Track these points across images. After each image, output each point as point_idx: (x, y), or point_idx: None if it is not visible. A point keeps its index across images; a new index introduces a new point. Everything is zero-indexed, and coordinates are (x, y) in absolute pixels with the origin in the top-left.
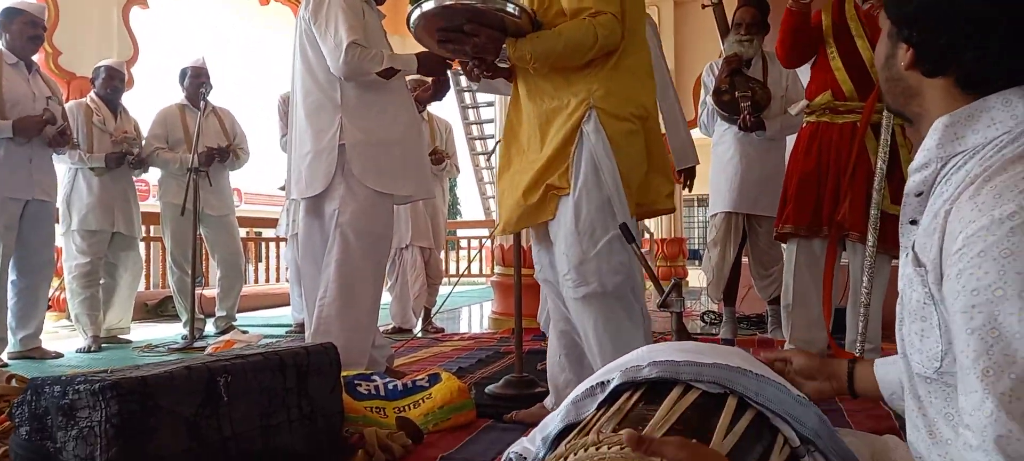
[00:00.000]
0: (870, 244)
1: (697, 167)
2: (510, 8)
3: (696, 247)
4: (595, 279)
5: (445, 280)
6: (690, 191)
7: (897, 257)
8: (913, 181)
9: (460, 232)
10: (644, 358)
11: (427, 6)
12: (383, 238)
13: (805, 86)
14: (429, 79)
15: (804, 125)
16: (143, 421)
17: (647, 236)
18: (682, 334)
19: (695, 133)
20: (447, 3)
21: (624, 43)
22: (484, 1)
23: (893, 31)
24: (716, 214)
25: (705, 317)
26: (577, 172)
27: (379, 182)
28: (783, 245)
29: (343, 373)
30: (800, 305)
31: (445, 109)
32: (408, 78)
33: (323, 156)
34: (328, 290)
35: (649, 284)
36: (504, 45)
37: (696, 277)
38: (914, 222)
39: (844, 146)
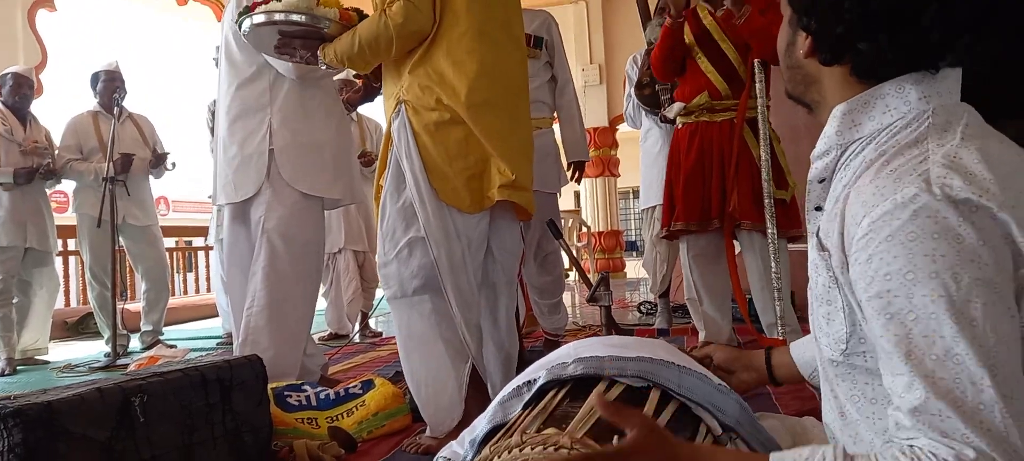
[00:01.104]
0: (770, 230)
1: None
2: (296, 17)
3: (632, 239)
4: (396, 282)
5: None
6: (578, 184)
7: (792, 239)
8: (815, 168)
9: None
10: (570, 355)
11: (245, 25)
12: (312, 244)
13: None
14: (358, 81)
15: (680, 127)
16: (51, 448)
17: (584, 229)
18: (611, 327)
19: (623, 127)
20: (257, 21)
21: (439, 29)
22: (286, 17)
23: (793, 19)
24: (655, 207)
25: (641, 307)
26: (387, 174)
27: (310, 185)
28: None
29: (273, 384)
30: (706, 297)
31: (376, 110)
32: (335, 79)
33: (252, 160)
34: (255, 299)
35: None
36: (318, 52)
37: (633, 269)
38: (819, 209)
39: (725, 141)
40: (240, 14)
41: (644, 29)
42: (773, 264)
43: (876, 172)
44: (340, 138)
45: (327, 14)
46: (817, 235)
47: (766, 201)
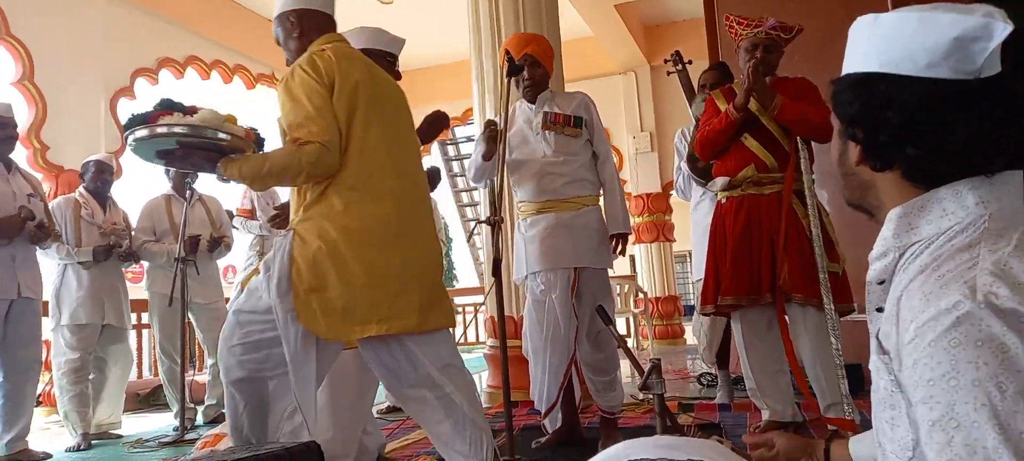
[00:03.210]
0: (827, 305)
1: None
2: (210, 132)
3: (691, 303)
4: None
5: None
6: (624, 256)
7: (843, 314)
8: (874, 270)
9: (457, 300)
10: (621, 456)
11: (140, 133)
12: None
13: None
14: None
15: (723, 201)
16: None
17: (641, 296)
18: (664, 416)
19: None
20: (159, 131)
21: (348, 166)
22: (191, 128)
23: (842, 130)
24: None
25: (702, 379)
26: (272, 273)
27: None
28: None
29: None
30: (764, 375)
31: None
32: None
33: None
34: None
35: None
36: (218, 165)
37: (692, 334)
38: (880, 310)
39: (773, 214)
40: (130, 121)
41: (690, 105)
42: (833, 340)
43: (926, 277)
44: None
45: (235, 131)
46: (878, 337)
47: (821, 275)
